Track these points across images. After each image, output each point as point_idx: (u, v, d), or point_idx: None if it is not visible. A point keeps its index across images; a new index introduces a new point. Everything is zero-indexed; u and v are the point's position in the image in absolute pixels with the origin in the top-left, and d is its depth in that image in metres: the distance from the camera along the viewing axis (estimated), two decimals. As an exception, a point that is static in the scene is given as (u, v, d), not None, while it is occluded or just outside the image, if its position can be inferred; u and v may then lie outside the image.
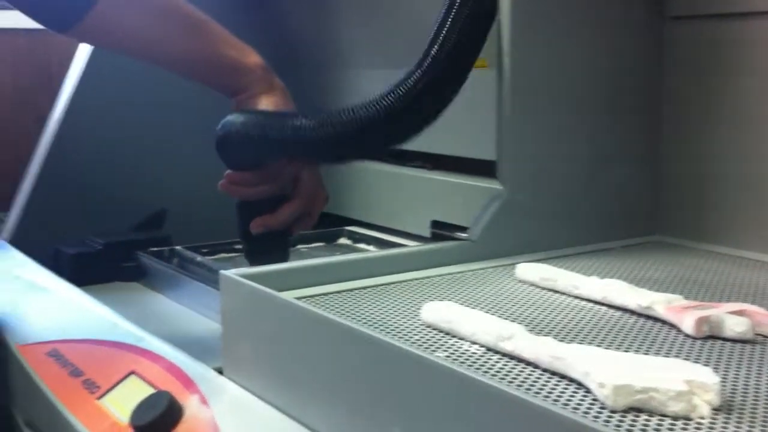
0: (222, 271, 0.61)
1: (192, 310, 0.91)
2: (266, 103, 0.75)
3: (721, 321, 0.54)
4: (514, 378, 0.47)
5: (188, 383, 0.63)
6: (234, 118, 0.73)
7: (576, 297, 0.63)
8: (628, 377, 0.43)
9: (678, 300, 0.58)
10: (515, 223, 0.75)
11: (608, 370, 0.44)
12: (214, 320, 0.86)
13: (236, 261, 1.01)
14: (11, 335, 0.82)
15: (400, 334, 0.54)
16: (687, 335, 0.54)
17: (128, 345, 0.72)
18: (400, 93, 0.66)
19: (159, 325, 0.77)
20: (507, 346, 0.49)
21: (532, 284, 0.66)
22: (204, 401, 0.60)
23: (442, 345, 0.52)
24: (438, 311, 0.55)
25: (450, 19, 0.66)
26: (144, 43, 0.76)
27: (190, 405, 0.61)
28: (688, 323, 0.54)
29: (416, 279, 0.67)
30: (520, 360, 0.49)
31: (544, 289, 0.65)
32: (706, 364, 0.49)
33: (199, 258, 0.97)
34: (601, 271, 0.70)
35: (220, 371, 0.63)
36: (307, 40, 1.18)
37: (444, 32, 0.67)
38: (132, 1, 0.73)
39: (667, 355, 0.51)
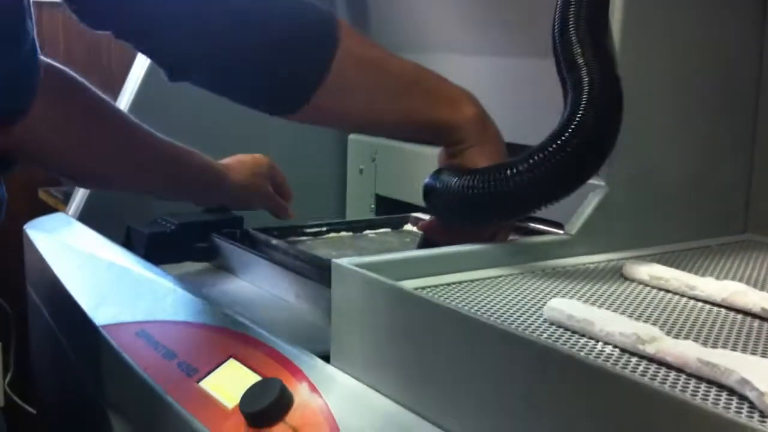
0: (335, 260, 0.60)
1: (266, 292, 0.90)
2: (477, 157, 0.72)
3: None
4: (662, 382, 0.46)
5: (295, 370, 0.63)
6: (442, 175, 0.71)
7: (692, 298, 0.62)
8: (791, 386, 0.42)
9: (803, 305, 0.57)
10: (614, 219, 0.74)
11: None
12: (292, 303, 0.86)
13: (308, 244, 1.01)
14: (95, 315, 0.81)
15: (529, 331, 0.53)
16: (818, 342, 0.53)
17: (222, 328, 0.72)
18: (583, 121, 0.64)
19: (243, 309, 0.77)
20: (648, 349, 0.49)
21: (641, 282, 0.65)
22: (315, 389, 0.60)
23: (575, 345, 0.52)
24: (564, 309, 0.54)
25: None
26: (362, 116, 0.76)
27: (300, 393, 0.60)
28: (821, 330, 0.53)
29: (520, 273, 0.67)
30: (661, 364, 0.48)
31: (655, 288, 0.64)
32: None
33: (274, 241, 0.96)
34: (707, 270, 0.69)
35: (323, 359, 0.63)
36: (388, 20, 1.17)
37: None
38: (356, 75, 0.71)
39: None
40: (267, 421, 0.59)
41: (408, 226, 1.12)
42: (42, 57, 0.73)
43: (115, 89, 1.10)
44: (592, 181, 0.75)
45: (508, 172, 0.65)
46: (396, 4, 1.15)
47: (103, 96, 0.85)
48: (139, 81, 1.10)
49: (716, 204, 0.82)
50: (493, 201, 0.66)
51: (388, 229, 1.10)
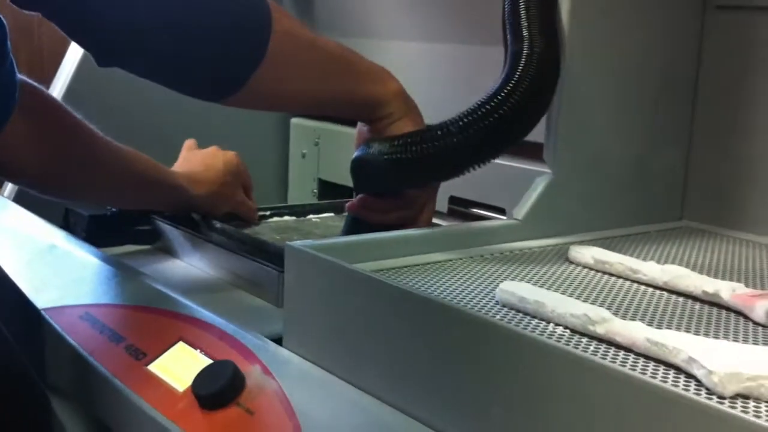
0: (288, 243, 0.60)
1: (210, 275, 0.90)
2: (405, 129, 0.75)
3: (789, 310, 0.56)
4: (613, 361, 0.48)
5: (247, 353, 0.63)
6: (373, 145, 0.73)
7: (636, 281, 0.64)
8: (736, 365, 0.44)
9: (741, 287, 0.59)
10: (559, 204, 0.76)
11: (714, 357, 0.45)
12: (236, 285, 0.86)
13: (252, 229, 1.00)
14: (37, 298, 0.79)
15: (482, 312, 0.55)
16: (756, 323, 0.56)
17: (169, 311, 0.71)
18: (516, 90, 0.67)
19: (188, 291, 0.76)
20: (598, 330, 0.50)
21: (586, 266, 0.67)
22: (267, 371, 0.60)
23: (527, 326, 0.53)
24: (516, 291, 0.56)
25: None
26: (298, 97, 0.77)
27: (253, 375, 0.60)
28: (759, 311, 0.56)
29: (470, 257, 0.68)
30: (611, 344, 0.50)
31: (599, 271, 0.66)
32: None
33: (218, 224, 0.95)
34: (648, 254, 0.72)
35: (275, 341, 0.63)
36: (334, 5, 1.17)
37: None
38: (291, 56, 0.72)
39: (742, 342, 0.52)
40: (220, 403, 0.58)
41: (351, 211, 1.12)
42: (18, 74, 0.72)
43: (46, 71, 1.08)
44: (538, 167, 0.77)
45: (439, 132, 0.69)
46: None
47: (74, 113, 0.85)
48: (73, 68, 1.07)
49: (655, 191, 0.85)
50: (426, 162, 0.70)
51: (332, 214, 1.10)
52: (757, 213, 0.82)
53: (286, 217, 1.07)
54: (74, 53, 1.10)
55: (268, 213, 1.05)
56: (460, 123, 0.68)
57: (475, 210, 1.01)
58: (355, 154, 0.76)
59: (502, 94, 0.67)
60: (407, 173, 0.72)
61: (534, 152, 0.79)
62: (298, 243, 0.61)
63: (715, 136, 0.85)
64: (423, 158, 0.69)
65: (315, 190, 1.23)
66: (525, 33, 0.69)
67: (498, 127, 0.68)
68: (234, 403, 0.58)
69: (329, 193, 1.21)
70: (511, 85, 0.67)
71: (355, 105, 0.77)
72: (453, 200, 1.02)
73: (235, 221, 1.00)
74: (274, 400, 0.57)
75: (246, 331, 0.65)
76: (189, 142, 1.04)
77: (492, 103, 0.67)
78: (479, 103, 0.68)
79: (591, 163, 0.78)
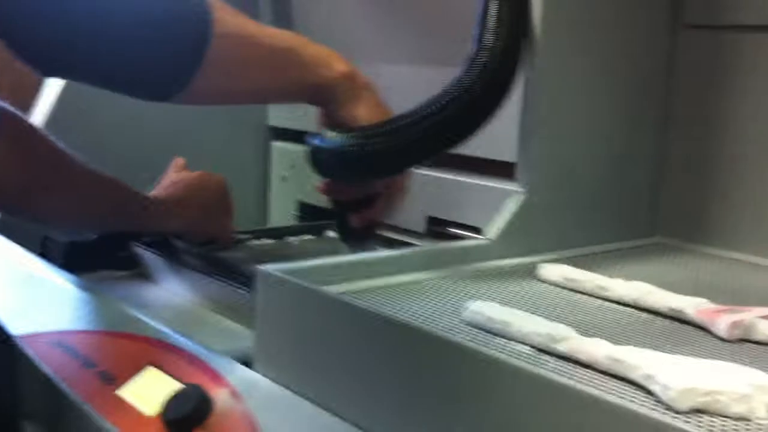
0: (259, 267, 0.61)
1: (187, 301, 0.90)
2: (354, 110, 0.77)
3: (753, 325, 0.56)
4: (573, 379, 0.48)
5: (215, 377, 0.63)
6: (326, 137, 0.75)
7: (603, 299, 0.64)
8: (692, 380, 0.44)
9: (705, 304, 0.60)
10: (532, 223, 0.76)
11: (671, 373, 0.45)
12: (212, 309, 0.86)
13: (232, 253, 1.01)
14: (11, 325, 0.79)
15: (452, 333, 0.55)
16: (720, 338, 0.56)
17: (142, 336, 0.71)
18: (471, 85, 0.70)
19: (163, 316, 0.76)
20: (561, 348, 0.51)
21: (555, 284, 0.68)
22: (236, 395, 0.60)
23: (493, 345, 0.53)
24: (482, 311, 0.56)
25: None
26: (244, 93, 0.78)
27: (221, 399, 0.60)
28: (722, 326, 0.56)
29: (441, 277, 0.68)
30: (574, 362, 0.50)
31: (568, 289, 0.66)
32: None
33: (195, 249, 0.96)
34: (618, 272, 0.72)
35: (245, 365, 0.63)
36: (312, 27, 1.18)
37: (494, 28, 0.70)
38: (234, 56, 0.72)
39: (704, 357, 0.53)
40: (188, 428, 0.58)
41: (330, 233, 1.13)
42: None
43: (29, 95, 1.08)
44: (511, 186, 0.78)
45: (384, 129, 0.72)
46: (319, 11, 1.16)
47: (53, 139, 0.85)
48: (57, 92, 1.08)
49: (628, 209, 0.85)
50: (373, 157, 0.72)
51: (310, 236, 1.11)
52: (728, 229, 0.83)
53: (265, 240, 1.07)
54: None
55: (246, 236, 1.06)
56: (408, 121, 0.71)
57: (453, 230, 1.01)
58: (311, 142, 0.77)
59: (445, 100, 0.70)
60: (357, 168, 0.74)
61: (512, 171, 0.80)
62: (268, 266, 0.61)
63: (688, 153, 0.86)
64: (369, 154, 0.72)
65: (295, 213, 1.23)
66: (484, 39, 0.71)
67: (442, 128, 0.71)
68: (202, 428, 0.58)
69: (310, 215, 1.21)
70: (454, 92, 0.70)
71: (303, 93, 0.78)
72: (431, 221, 1.03)
73: (213, 245, 1.01)
74: (242, 424, 0.57)
75: (217, 354, 0.65)
76: (178, 162, 1.04)
77: (436, 106, 0.70)
78: (425, 105, 0.71)
79: (563, 181, 0.78)
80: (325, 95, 0.78)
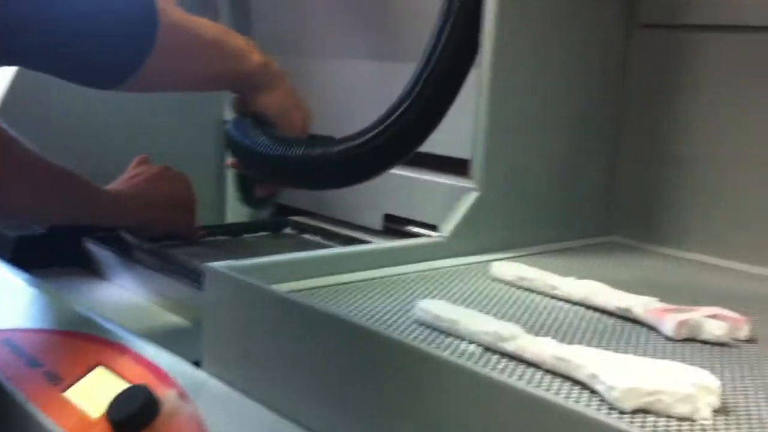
0: (207, 264, 0.60)
1: (140, 298, 0.89)
2: (269, 99, 0.83)
3: (699, 324, 0.56)
4: (519, 378, 0.48)
5: (163, 377, 0.62)
6: (247, 131, 0.81)
7: (554, 297, 0.64)
8: (636, 380, 0.44)
9: (654, 303, 0.60)
10: (486, 221, 0.76)
11: (616, 373, 0.45)
12: (165, 307, 0.85)
13: (183, 249, 0.99)
14: (-44, 322, 0.78)
15: (396, 332, 0.54)
16: (666, 337, 0.57)
17: (91, 335, 0.70)
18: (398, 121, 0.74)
19: (114, 315, 0.75)
20: (508, 346, 0.50)
21: (507, 283, 0.68)
22: (184, 395, 0.59)
23: (441, 344, 0.53)
24: (431, 309, 0.56)
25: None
26: (183, 81, 0.82)
27: (169, 399, 0.59)
28: (668, 326, 0.56)
29: (393, 275, 0.68)
30: (521, 360, 0.50)
31: (520, 288, 0.67)
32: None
33: (147, 245, 0.94)
34: (570, 271, 0.72)
35: (194, 364, 0.62)
36: (271, 23, 1.17)
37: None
38: (177, 46, 0.75)
39: (651, 356, 0.53)
40: (134, 429, 0.58)
41: (288, 230, 1.12)
42: None
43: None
44: (465, 184, 0.78)
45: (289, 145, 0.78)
46: (278, 8, 1.15)
47: (6, 128, 0.85)
48: (9, 79, 1.06)
49: (582, 207, 0.85)
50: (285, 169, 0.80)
51: (267, 233, 1.10)
52: (681, 229, 0.83)
53: (220, 237, 1.06)
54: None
55: (201, 232, 1.04)
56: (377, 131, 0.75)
57: (410, 228, 1.01)
58: (230, 130, 0.83)
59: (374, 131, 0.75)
60: (267, 168, 0.82)
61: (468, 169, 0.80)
62: (215, 263, 0.60)
63: (641, 153, 0.86)
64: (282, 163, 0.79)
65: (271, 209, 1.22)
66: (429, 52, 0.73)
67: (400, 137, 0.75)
68: (148, 429, 0.58)
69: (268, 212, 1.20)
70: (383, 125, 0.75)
71: (228, 81, 0.83)
72: (388, 218, 1.03)
73: (173, 241, 0.99)
74: (189, 425, 0.57)
75: (166, 354, 0.64)
76: (141, 157, 1.02)
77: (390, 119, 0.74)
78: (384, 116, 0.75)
79: (517, 179, 0.78)
80: (244, 84, 0.83)
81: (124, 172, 1.00)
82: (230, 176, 1.25)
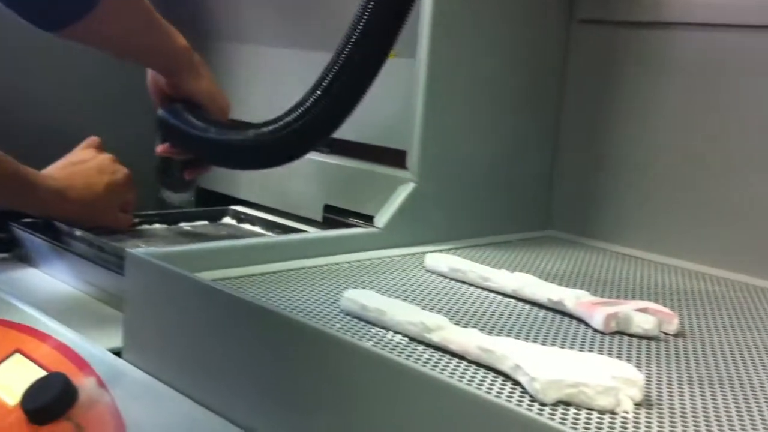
0: (129, 250, 0.58)
1: (66, 285, 0.86)
2: (197, 86, 0.82)
3: (628, 318, 0.56)
4: (443, 369, 0.47)
5: (82, 364, 0.60)
6: (180, 115, 0.81)
7: (486, 289, 0.64)
8: (559, 372, 0.44)
9: (586, 296, 0.60)
10: (422, 213, 0.75)
11: (539, 365, 0.44)
12: (94, 297, 0.82)
13: (117, 237, 0.97)
14: None
15: (322, 322, 0.53)
16: (596, 330, 0.56)
17: (10, 321, 0.67)
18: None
19: (38, 302, 0.73)
20: (434, 337, 0.50)
21: (440, 274, 0.67)
22: (102, 384, 0.57)
23: (366, 334, 0.52)
24: (358, 299, 0.55)
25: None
26: (123, 42, 0.80)
27: (87, 388, 0.57)
28: (598, 319, 0.56)
29: (325, 265, 0.67)
30: (445, 351, 0.49)
31: (453, 279, 0.66)
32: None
33: (78, 232, 0.91)
34: (506, 263, 0.72)
35: (115, 353, 0.60)
36: (205, 8, 1.14)
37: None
38: (122, 7, 0.75)
39: (579, 349, 0.53)
40: (49, 418, 0.55)
41: (227, 219, 1.10)
42: None
43: None
44: (401, 174, 0.77)
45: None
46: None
47: None
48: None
49: (520, 201, 0.85)
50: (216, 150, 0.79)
51: (206, 222, 1.07)
52: (617, 224, 0.84)
53: (157, 225, 1.03)
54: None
55: (136, 220, 1.02)
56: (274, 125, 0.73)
57: (351, 220, 0.99)
58: (162, 114, 0.83)
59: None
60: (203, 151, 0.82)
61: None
62: (138, 250, 0.58)
63: (580, 148, 0.86)
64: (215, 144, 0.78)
65: (192, 198, 1.20)
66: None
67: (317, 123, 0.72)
68: (64, 418, 0.55)
69: (208, 201, 1.18)
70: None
71: (158, 58, 0.82)
72: (328, 209, 1.01)
73: (103, 229, 0.96)
74: (106, 415, 0.55)
75: (87, 342, 0.62)
76: (92, 140, 0.98)
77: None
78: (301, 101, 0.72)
79: (455, 171, 0.78)
80: (172, 64, 0.81)
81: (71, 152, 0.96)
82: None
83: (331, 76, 0.69)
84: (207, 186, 1.18)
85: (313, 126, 0.71)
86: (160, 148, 0.87)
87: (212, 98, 0.83)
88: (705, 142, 0.78)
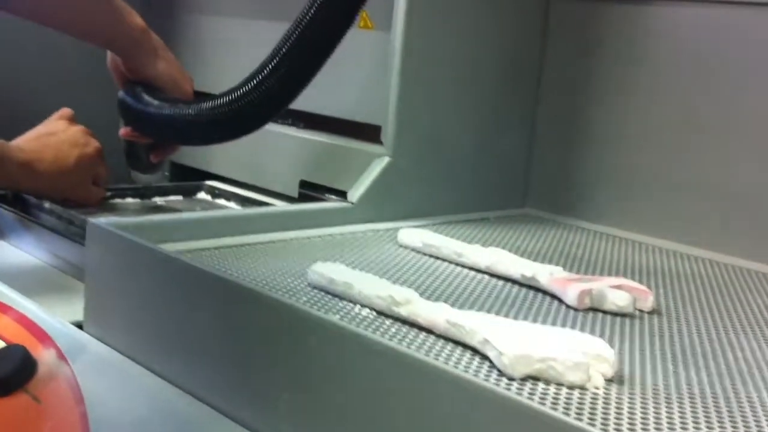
0: (91, 220, 0.56)
1: (37, 258, 0.84)
2: (156, 68, 0.80)
3: (602, 295, 0.55)
4: (410, 343, 0.46)
5: (43, 337, 0.58)
6: (141, 97, 0.78)
7: (459, 264, 0.62)
8: (528, 347, 0.42)
9: (560, 272, 0.59)
10: (396, 188, 0.74)
11: (507, 339, 0.43)
12: (62, 270, 0.80)
13: (88, 210, 0.95)
14: None
15: (288, 295, 0.52)
16: (569, 307, 0.55)
17: (-31, 293, 0.66)
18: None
19: (2, 274, 0.71)
20: (402, 311, 0.48)
21: (414, 249, 0.65)
22: (62, 356, 0.56)
23: (332, 308, 0.50)
24: (326, 273, 0.53)
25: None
26: (66, 22, 0.78)
27: (46, 360, 0.56)
28: (571, 295, 0.55)
29: (296, 239, 0.65)
30: (414, 325, 0.48)
31: (426, 255, 0.64)
32: (590, 336, 0.49)
33: (47, 204, 0.89)
34: (480, 239, 0.71)
35: (78, 325, 0.59)
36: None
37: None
38: None
39: (552, 325, 0.51)
40: (6, 390, 0.53)
41: (202, 194, 1.08)
42: None
43: None
44: (379, 150, 0.75)
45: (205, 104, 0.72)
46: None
47: None
48: None
49: (497, 179, 0.84)
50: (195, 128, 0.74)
51: (180, 197, 1.06)
52: (593, 202, 0.83)
53: (129, 199, 1.01)
54: None
55: (108, 194, 1.00)
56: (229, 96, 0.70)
57: (327, 195, 0.98)
58: (122, 96, 0.80)
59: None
60: (167, 131, 0.79)
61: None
62: (100, 219, 0.57)
63: (558, 127, 0.85)
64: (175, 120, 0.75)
65: (167, 173, 1.18)
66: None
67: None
68: (22, 390, 0.54)
69: (182, 175, 1.16)
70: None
71: (111, 38, 0.79)
72: (304, 185, 0.99)
73: (73, 202, 0.94)
74: (65, 388, 0.53)
75: (49, 315, 0.60)
76: (64, 112, 0.96)
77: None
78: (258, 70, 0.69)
79: (431, 147, 0.76)
80: (127, 47, 0.79)
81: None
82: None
83: (288, 45, 0.67)
84: (182, 161, 1.16)
85: (269, 97, 0.68)
86: (122, 131, 0.85)
87: (173, 81, 0.81)
88: (684, 121, 0.77)
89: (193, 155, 1.13)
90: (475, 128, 0.80)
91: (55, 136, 0.93)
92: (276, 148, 1.01)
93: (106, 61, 0.83)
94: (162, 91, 0.79)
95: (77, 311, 0.62)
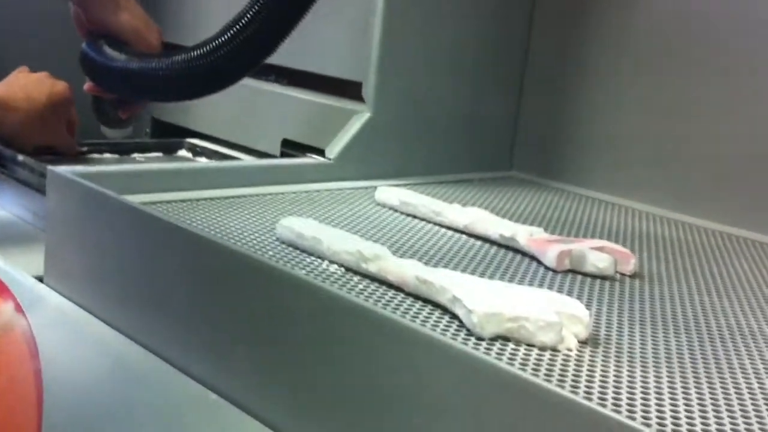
0: (51, 168, 0.54)
1: (9, 213, 0.82)
2: (119, 18, 0.76)
3: (582, 256, 0.53)
4: (378, 300, 0.43)
5: (1, 289, 0.56)
6: (103, 50, 0.75)
7: (437, 224, 0.60)
8: (498, 305, 0.40)
9: (540, 233, 0.56)
10: (376, 145, 0.71)
11: (478, 297, 0.41)
12: (33, 224, 0.78)
13: (63, 164, 0.92)
14: None
15: (254, 249, 0.50)
16: (548, 268, 0.53)
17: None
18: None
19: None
20: (371, 267, 0.46)
21: (391, 208, 0.63)
22: (20, 309, 0.53)
23: (299, 263, 0.48)
24: (294, 228, 0.51)
25: None
26: None
27: (3, 313, 0.53)
28: (550, 256, 0.53)
29: (270, 194, 0.63)
30: (383, 282, 0.46)
31: (403, 213, 0.62)
32: (568, 298, 0.47)
33: (21, 157, 0.87)
34: (461, 200, 0.68)
35: (39, 279, 0.57)
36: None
37: None
38: None
39: (529, 286, 0.49)
40: (-41, 343, 0.52)
41: (182, 152, 1.05)
42: None
43: None
44: (361, 109, 0.73)
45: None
46: None
47: None
48: None
49: (483, 141, 0.82)
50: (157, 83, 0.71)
51: (160, 153, 1.03)
52: (579, 166, 0.81)
53: (107, 155, 0.98)
54: None
55: (85, 149, 0.97)
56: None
57: (309, 154, 0.95)
58: (86, 50, 0.77)
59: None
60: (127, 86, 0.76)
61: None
62: (61, 168, 0.54)
63: (545, 91, 0.83)
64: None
65: (147, 130, 1.15)
66: None
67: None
68: (-24, 344, 0.52)
69: (162, 132, 1.13)
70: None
71: None
72: (285, 143, 0.97)
73: (51, 155, 0.92)
74: (20, 341, 0.51)
75: (10, 267, 0.58)
76: (23, 68, 0.94)
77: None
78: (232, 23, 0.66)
79: (413, 105, 0.74)
80: None
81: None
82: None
83: None
84: (163, 118, 1.14)
85: (247, 50, 0.65)
86: (86, 86, 0.82)
87: (136, 33, 0.77)
88: (669, 86, 0.75)
89: (174, 112, 1.10)
90: (460, 88, 0.77)
91: (15, 79, 0.91)
92: (258, 106, 0.98)
93: (70, 12, 0.79)
94: (126, 44, 0.76)
95: (40, 265, 0.60)
